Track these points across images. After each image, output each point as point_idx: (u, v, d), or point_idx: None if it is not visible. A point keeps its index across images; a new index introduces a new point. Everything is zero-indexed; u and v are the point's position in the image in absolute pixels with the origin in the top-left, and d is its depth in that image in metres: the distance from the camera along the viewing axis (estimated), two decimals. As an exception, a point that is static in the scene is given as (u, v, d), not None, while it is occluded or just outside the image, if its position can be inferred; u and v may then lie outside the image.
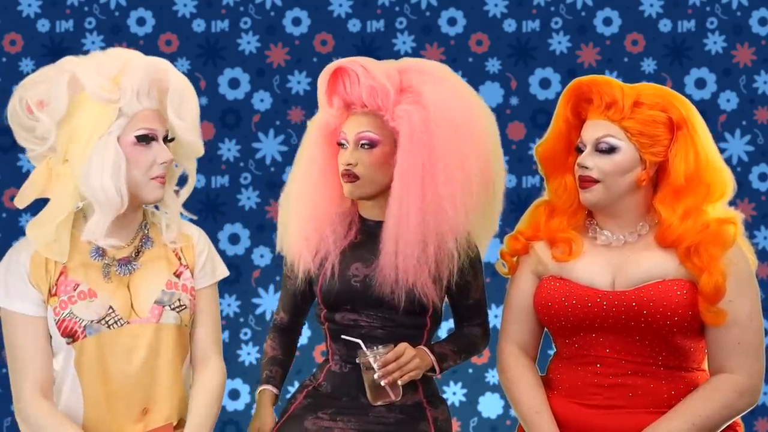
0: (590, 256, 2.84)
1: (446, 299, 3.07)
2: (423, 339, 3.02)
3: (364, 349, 2.88)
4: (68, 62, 2.74)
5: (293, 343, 3.20)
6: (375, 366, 2.87)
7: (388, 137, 2.95)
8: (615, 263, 2.82)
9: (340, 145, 2.99)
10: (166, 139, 2.78)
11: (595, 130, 2.81)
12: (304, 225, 3.01)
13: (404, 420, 2.97)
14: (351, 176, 2.95)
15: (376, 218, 3.01)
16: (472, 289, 3.06)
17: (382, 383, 2.87)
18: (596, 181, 2.80)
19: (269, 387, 3.10)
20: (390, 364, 2.87)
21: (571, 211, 2.89)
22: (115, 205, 2.71)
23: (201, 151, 2.87)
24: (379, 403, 2.90)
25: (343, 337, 2.96)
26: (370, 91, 2.92)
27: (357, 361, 2.90)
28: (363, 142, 2.95)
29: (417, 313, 2.98)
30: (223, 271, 2.95)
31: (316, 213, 3.02)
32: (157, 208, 2.90)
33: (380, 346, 2.89)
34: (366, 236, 3.02)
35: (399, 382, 2.90)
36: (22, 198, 2.77)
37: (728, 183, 2.84)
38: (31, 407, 2.73)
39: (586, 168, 2.80)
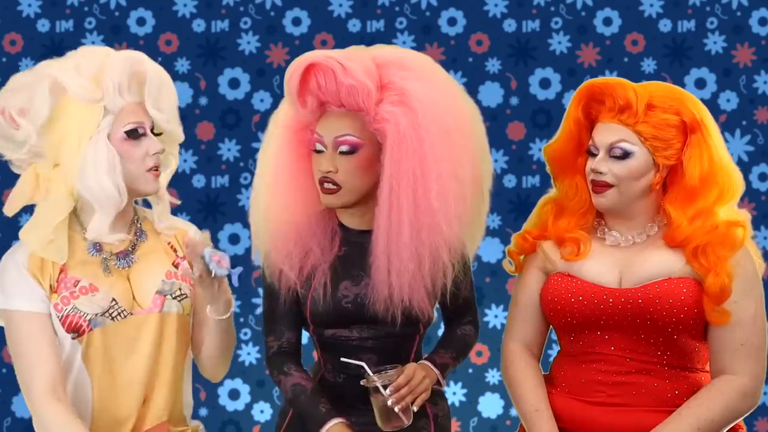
0: (598, 255, 2.84)
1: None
2: (414, 344, 2.92)
3: (370, 372, 2.74)
4: (46, 67, 2.75)
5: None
6: (387, 391, 2.72)
7: (369, 139, 2.73)
8: (623, 262, 2.82)
9: (316, 151, 2.75)
10: (152, 131, 2.80)
11: (608, 134, 2.79)
12: (283, 238, 2.78)
13: None
14: (331, 185, 2.73)
15: (357, 227, 2.84)
16: (462, 289, 2.93)
17: (396, 409, 2.73)
18: (610, 186, 2.79)
19: (341, 419, 2.76)
20: (402, 389, 2.72)
21: (581, 213, 2.88)
22: (115, 203, 2.73)
23: (181, 137, 2.87)
24: (389, 429, 2.76)
25: (343, 359, 2.80)
26: (349, 90, 2.66)
27: (362, 384, 2.76)
28: (343, 147, 2.71)
29: (410, 325, 2.85)
30: None
31: (294, 223, 2.78)
32: (144, 203, 2.92)
33: (387, 368, 2.75)
34: (350, 248, 2.83)
35: (413, 407, 2.76)
36: (11, 206, 2.79)
37: (739, 184, 2.83)
38: (46, 409, 2.71)
39: (600, 173, 2.79)
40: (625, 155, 2.78)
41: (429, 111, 2.69)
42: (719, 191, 2.79)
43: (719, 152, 2.80)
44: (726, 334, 2.75)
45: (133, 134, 2.75)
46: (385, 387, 2.72)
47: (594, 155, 2.82)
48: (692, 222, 2.76)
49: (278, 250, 2.80)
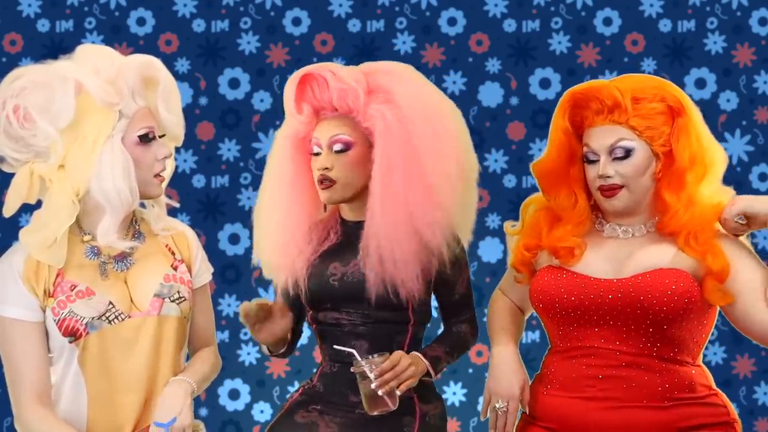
0: (593, 248, 2.84)
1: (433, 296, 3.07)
2: (407, 334, 3.00)
3: (358, 358, 2.84)
4: (64, 68, 2.74)
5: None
6: (371, 375, 2.82)
7: (361, 138, 2.96)
8: (616, 254, 2.82)
9: (314, 154, 2.98)
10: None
11: (604, 136, 2.80)
12: (283, 246, 3.02)
13: (389, 414, 2.90)
14: (327, 181, 2.95)
15: (354, 219, 3.02)
16: (457, 284, 3.05)
17: (380, 392, 2.82)
18: (621, 187, 2.79)
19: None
20: (387, 373, 2.84)
21: (581, 220, 2.88)
22: (127, 206, 2.76)
23: (181, 141, 2.92)
24: (376, 413, 2.84)
25: (335, 347, 2.94)
26: (340, 94, 2.92)
27: (352, 370, 2.86)
28: (337, 146, 2.94)
29: (397, 308, 2.96)
30: (210, 267, 3.01)
31: (292, 230, 3.02)
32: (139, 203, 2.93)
33: (375, 355, 2.85)
34: (345, 237, 3.02)
35: (397, 392, 2.85)
36: (8, 207, 2.77)
37: (722, 160, 2.85)
38: (33, 414, 2.72)
39: (609, 176, 2.80)
40: (627, 153, 2.78)
41: (412, 106, 2.94)
42: (704, 170, 2.81)
43: (703, 132, 2.82)
44: (749, 294, 2.75)
45: (145, 139, 2.77)
46: (371, 372, 2.83)
47: (592, 162, 2.82)
48: (687, 209, 2.78)
49: (278, 256, 3.05)
